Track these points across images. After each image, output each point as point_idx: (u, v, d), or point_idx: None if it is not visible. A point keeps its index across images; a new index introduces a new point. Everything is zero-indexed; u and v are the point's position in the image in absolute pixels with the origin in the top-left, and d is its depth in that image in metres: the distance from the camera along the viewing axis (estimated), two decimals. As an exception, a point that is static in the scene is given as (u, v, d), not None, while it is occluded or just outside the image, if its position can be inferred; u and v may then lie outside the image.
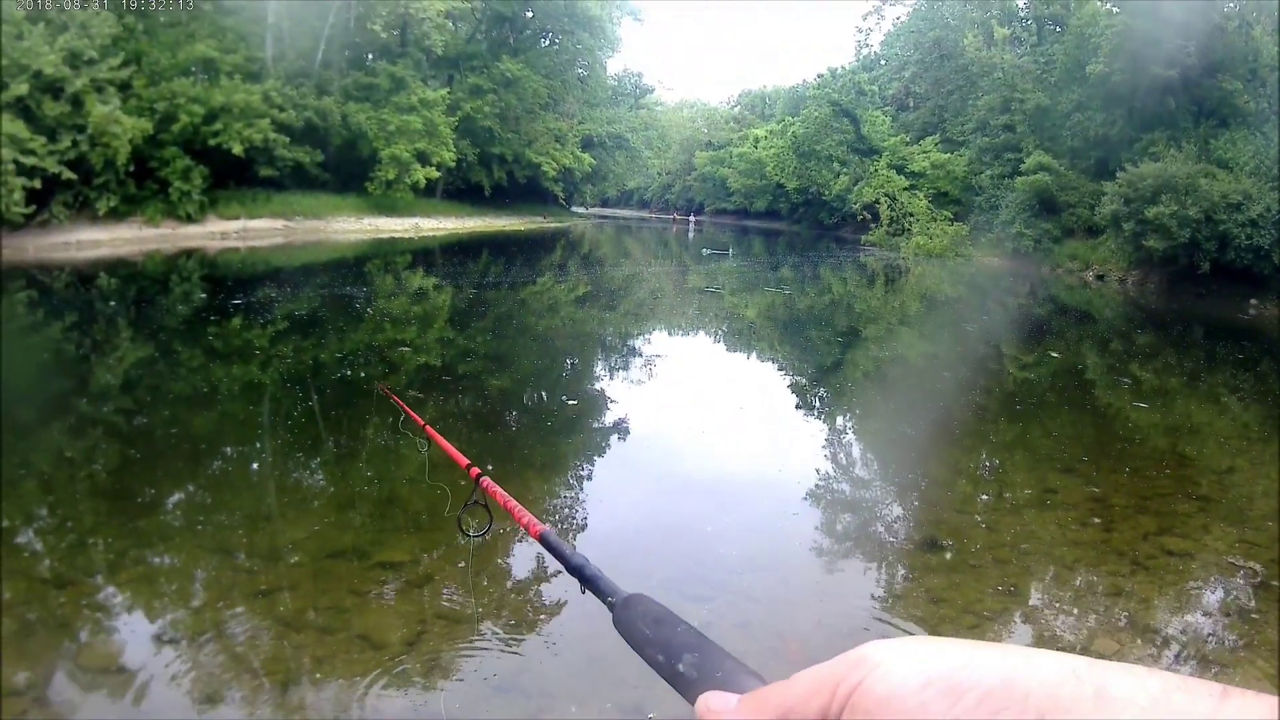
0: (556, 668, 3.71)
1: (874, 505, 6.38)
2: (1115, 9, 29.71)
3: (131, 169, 22.47)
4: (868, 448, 8.24)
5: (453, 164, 35.66)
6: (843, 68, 49.74)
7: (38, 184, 19.60)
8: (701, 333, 14.96)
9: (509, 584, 4.56)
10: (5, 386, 8.14)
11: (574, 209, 58.33)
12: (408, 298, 15.96)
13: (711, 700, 0.50)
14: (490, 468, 1.25)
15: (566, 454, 7.12)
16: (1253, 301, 22.16)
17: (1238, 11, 27.32)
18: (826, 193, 48.61)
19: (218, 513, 5.27)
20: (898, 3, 45.87)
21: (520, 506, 1.05)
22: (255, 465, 6.41)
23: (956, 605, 4.45)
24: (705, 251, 35.83)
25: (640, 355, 12.08)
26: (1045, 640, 4.13)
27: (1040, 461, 7.51)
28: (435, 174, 33.90)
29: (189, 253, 21.17)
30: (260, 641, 3.71)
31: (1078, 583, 4.89)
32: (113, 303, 14.13)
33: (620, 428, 7.99)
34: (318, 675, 3.48)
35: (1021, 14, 38.67)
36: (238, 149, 25.50)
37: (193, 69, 25.95)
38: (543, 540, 0.92)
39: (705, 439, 7.59)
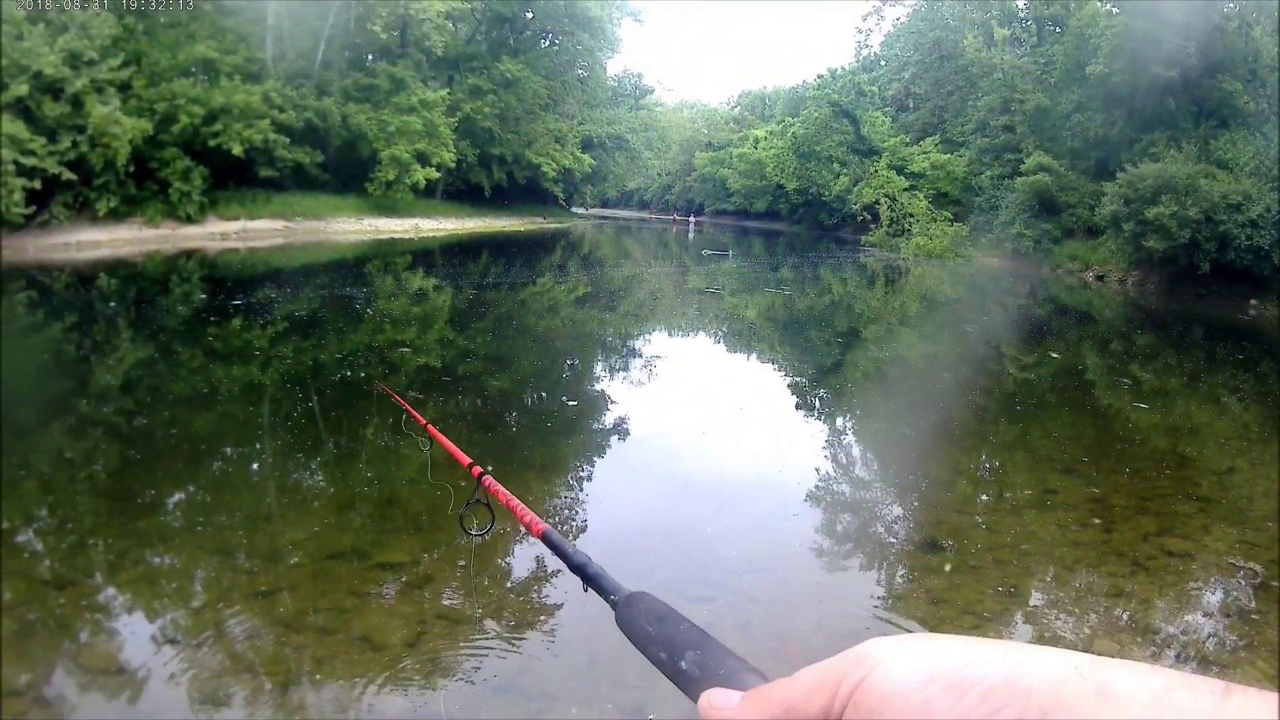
0: (557, 668, 3.71)
1: (874, 506, 6.38)
2: (1115, 9, 29.71)
3: (131, 170, 22.48)
4: (868, 448, 8.24)
5: (453, 165, 35.67)
6: (843, 68, 49.77)
7: (38, 185, 19.61)
8: (701, 333, 14.96)
9: (509, 584, 4.56)
10: (5, 387, 8.14)
11: (574, 210, 58.34)
12: (408, 298, 15.96)
13: (714, 697, 0.50)
14: (490, 468, 1.25)
15: (566, 455, 7.12)
16: (1253, 302, 22.16)
17: (1237, 12, 27.33)
18: (826, 193, 48.60)
19: (218, 513, 5.27)
20: (897, 3, 45.96)
21: (522, 505, 1.05)
22: (255, 466, 6.41)
23: (957, 606, 4.45)
24: (705, 252, 35.83)
25: (640, 356, 12.08)
26: (1045, 641, 4.12)
27: (1040, 462, 7.51)
28: (435, 175, 33.92)
29: (189, 253, 21.17)
30: (260, 642, 3.71)
31: (1078, 584, 4.89)
32: (113, 303, 14.13)
33: (620, 428, 7.99)
34: (318, 676, 3.48)
35: (1021, 15, 38.68)
36: (238, 150, 25.51)
37: (193, 70, 25.97)
38: (545, 539, 0.92)
39: (705, 439, 7.59)
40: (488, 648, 3.82)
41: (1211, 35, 26.57)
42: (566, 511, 5.79)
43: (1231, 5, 27.68)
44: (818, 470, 6.98)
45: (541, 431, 7.75)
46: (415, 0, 31.47)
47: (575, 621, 4.04)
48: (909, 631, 4.37)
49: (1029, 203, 31.27)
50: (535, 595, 4.42)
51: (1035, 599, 4.70)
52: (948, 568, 4.97)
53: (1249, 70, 27.28)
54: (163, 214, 23.91)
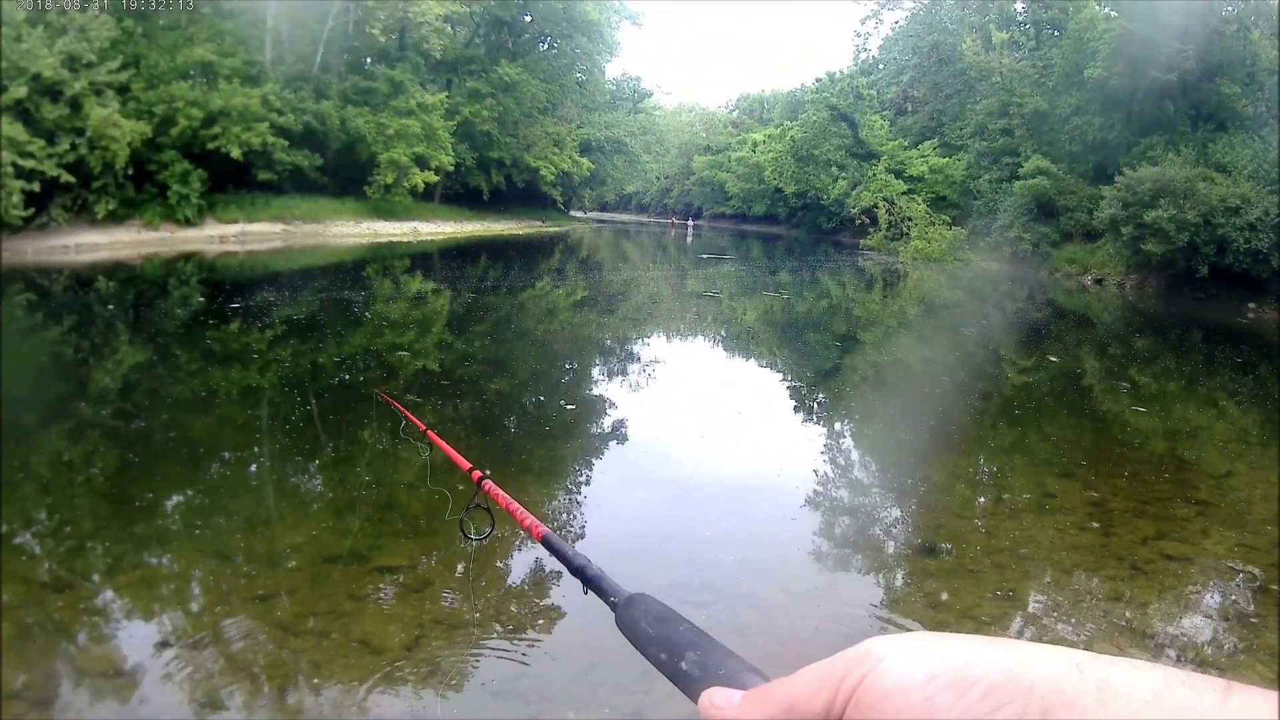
0: (555, 672, 3.71)
1: (872, 510, 6.38)
2: (1113, 13, 29.74)
3: (130, 172, 22.50)
4: (866, 452, 8.24)
5: (451, 168, 35.71)
6: (841, 72, 49.82)
7: (36, 187, 19.61)
8: (700, 337, 14.96)
9: (507, 588, 4.56)
10: (4, 390, 8.13)
11: (572, 213, 58.33)
12: (406, 302, 15.95)
13: (715, 697, 0.50)
14: (488, 472, 1.25)
15: (565, 459, 7.11)
16: (1251, 305, 22.18)
17: (1236, 15, 27.38)
18: (825, 197, 48.62)
19: (216, 517, 5.26)
20: (896, 7, 45.95)
21: (522, 509, 1.05)
22: (253, 469, 6.40)
23: (955, 610, 4.45)
24: (703, 256, 35.84)
25: (639, 360, 12.08)
26: (1044, 644, 4.12)
27: (1039, 466, 7.51)
28: (434, 178, 33.95)
29: (187, 256, 21.17)
30: (258, 645, 3.70)
31: (1076, 587, 4.89)
32: (111, 306, 14.12)
33: (618, 432, 7.99)
34: (316, 679, 3.48)
35: (1020, 18, 38.72)
36: (236, 152, 25.53)
37: (191, 72, 26.00)
38: (545, 542, 0.92)
39: (704, 443, 7.59)
40: (485, 652, 3.81)
41: (1210, 38, 26.63)
42: (565, 516, 5.79)
43: (1230, 8, 27.73)
44: (816, 474, 6.98)
45: (540, 435, 7.75)
46: (414, 3, 31.51)
47: (573, 625, 4.03)
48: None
49: (1027, 206, 31.30)
50: (533, 599, 4.41)
51: (1034, 603, 4.70)
52: (947, 563, 4.97)
53: (1247, 73, 27.34)
54: (161, 217, 23.91)
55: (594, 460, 7.17)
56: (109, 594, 4.20)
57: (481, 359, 10.92)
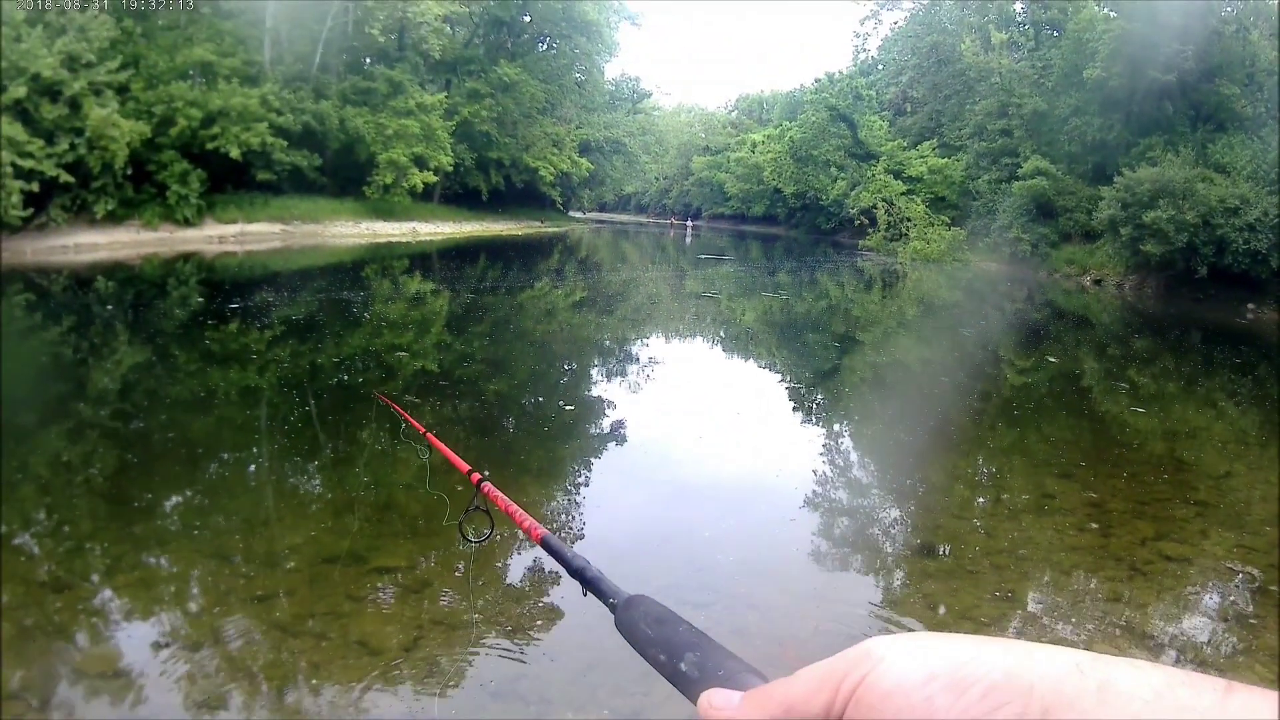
0: (554, 673, 3.71)
1: (871, 511, 6.38)
2: (1112, 13, 29.77)
3: (129, 172, 22.48)
4: (865, 453, 8.24)
5: (450, 168, 35.69)
6: (840, 72, 49.87)
7: (35, 187, 19.60)
8: (699, 337, 14.96)
9: (506, 589, 4.55)
10: (4, 390, 8.12)
11: (571, 214, 58.33)
12: (405, 302, 15.95)
13: (714, 697, 0.49)
14: (487, 473, 1.25)
15: (563, 460, 7.11)
16: (1250, 305, 22.20)
17: (1235, 16, 27.40)
18: (824, 197, 48.65)
19: (215, 517, 5.26)
20: (895, 7, 45.99)
21: (521, 511, 1.05)
22: (252, 470, 6.39)
23: (954, 611, 4.45)
24: (702, 256, 35.84)
25: (637, 360, 12.08)
26: (1043, 644, 4.12)
27: (1038, 467, 7.51)
28: (433, 178, 33.95)
29: (186, 256, 21.16)
30: (257, 646, 3.70)
31: (1075, 588, 4.89)
32: (110, 306, 14.11)
33: (617, 433, 7.99)
34: (314, 680, 3.48)
35: (1019, 19, 38.76)
36: (235, 153, 25.52)
37: (191, 72, 25.98)
38: (544, 544, 0.92)
39: (703, 444, 7.59)
40: (484, 653, 3.81)
41: (1209, 39, 26.65)
42: (564, 517, 5.79)
43: (1229, 9, 27.76)
44: (815, 475, 6.98)
45: (539, 436, 7.75)
46: (413, 4, 31.51)
47: (572, 627, 4.03)
48: (907, 635, 4.35)
49: (1026, 207, 31.31)
50: (532, 600, 4.41)
51: (1033, 604, 4.70)
52: (946, 563, 4.97)
53: (1246, 74, 27.36)
54: (160, 217, 23.90)
55: (593, 461, 7.17)
56: (108, 594, 4.20)
57: (480, 360, 10.92)
